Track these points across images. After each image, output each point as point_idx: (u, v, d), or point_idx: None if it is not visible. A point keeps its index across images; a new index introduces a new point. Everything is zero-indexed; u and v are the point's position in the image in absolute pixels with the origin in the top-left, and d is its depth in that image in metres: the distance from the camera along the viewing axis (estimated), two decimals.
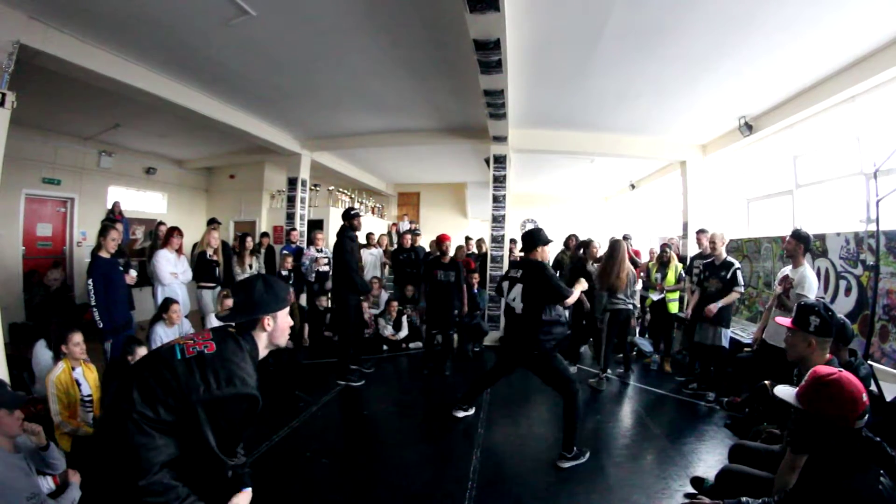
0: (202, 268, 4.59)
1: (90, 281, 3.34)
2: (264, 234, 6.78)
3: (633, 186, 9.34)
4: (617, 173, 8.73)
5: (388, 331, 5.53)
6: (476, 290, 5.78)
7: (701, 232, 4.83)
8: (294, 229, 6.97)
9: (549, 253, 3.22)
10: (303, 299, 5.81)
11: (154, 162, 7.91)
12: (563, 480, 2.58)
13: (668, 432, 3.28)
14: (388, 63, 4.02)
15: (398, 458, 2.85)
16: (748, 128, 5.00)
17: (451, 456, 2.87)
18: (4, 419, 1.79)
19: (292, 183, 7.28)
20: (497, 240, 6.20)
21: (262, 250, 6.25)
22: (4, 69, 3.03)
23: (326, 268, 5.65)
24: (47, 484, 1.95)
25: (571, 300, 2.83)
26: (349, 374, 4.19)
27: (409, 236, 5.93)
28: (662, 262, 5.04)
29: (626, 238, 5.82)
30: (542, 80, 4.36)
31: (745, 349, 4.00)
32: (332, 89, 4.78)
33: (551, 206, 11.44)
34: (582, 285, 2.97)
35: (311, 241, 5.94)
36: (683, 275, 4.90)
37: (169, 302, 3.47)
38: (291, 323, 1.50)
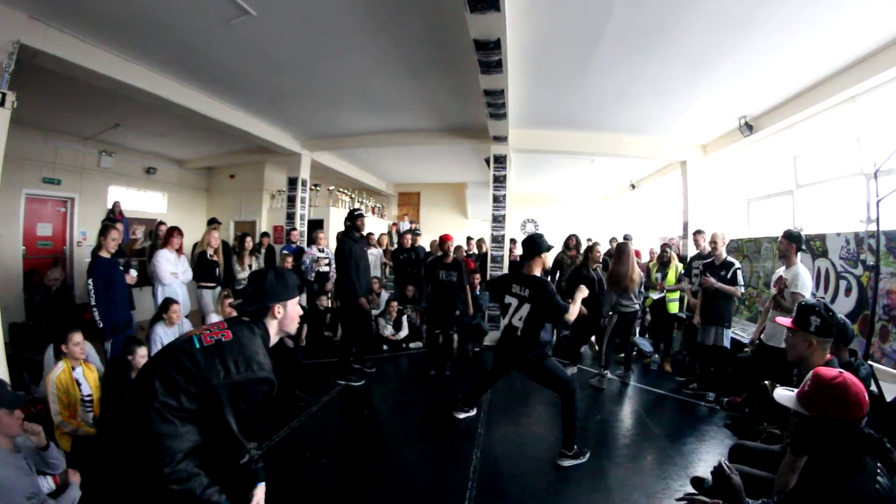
0: (202, 268, 4.59)
1: (90, 281, 3.34)
2: (264, 234, 6.79)
3: (633, 186, 9.34)
4: (617, 173, 8.73)
5: (388, 331, 5.53)
6: (478, 292, 5.79)
7: (698, 233, 4.84)
8: (294, 229, 6.97)
9: (549, 257, 3.21)
10: (303, 299, 5.80)
11: (154, 162, 7.91)
12: (563, 480, 2.58)
13: (668, 432, 3.27)
14: (389, 63, 4.02)
15: (398, 458, 2.85)
16: (748, 128, 5.00)
17: (451, 456, 2.86)
18: (4, 419, 1.79)
19: (292, 183, 7.28)
20: (497, 240, 6.20)
21: (263, 250, 6.25)
22: (4, 69, 3.03)
23: (327, 268, 5.65)
24: (47, 484, 1.96)
25: (572, 316, 2.80)
26: (350, 373, 4.19)
27: (409, 236, 5.93)
28: (663, 262, 5.04)
29: (627, 238, 5.83)
30: (542, 80, 4.36)
31: (745, 349, 4.00)
32: (333, 89, 4.78)
33: (551, 206, 11.45)
34: (582, 292, 2.91)
35: (313, 241, 5.94)
36: (683, 276, 4.90)
37: (169, 302, 3.47)
38: (301, 312, 1.57)
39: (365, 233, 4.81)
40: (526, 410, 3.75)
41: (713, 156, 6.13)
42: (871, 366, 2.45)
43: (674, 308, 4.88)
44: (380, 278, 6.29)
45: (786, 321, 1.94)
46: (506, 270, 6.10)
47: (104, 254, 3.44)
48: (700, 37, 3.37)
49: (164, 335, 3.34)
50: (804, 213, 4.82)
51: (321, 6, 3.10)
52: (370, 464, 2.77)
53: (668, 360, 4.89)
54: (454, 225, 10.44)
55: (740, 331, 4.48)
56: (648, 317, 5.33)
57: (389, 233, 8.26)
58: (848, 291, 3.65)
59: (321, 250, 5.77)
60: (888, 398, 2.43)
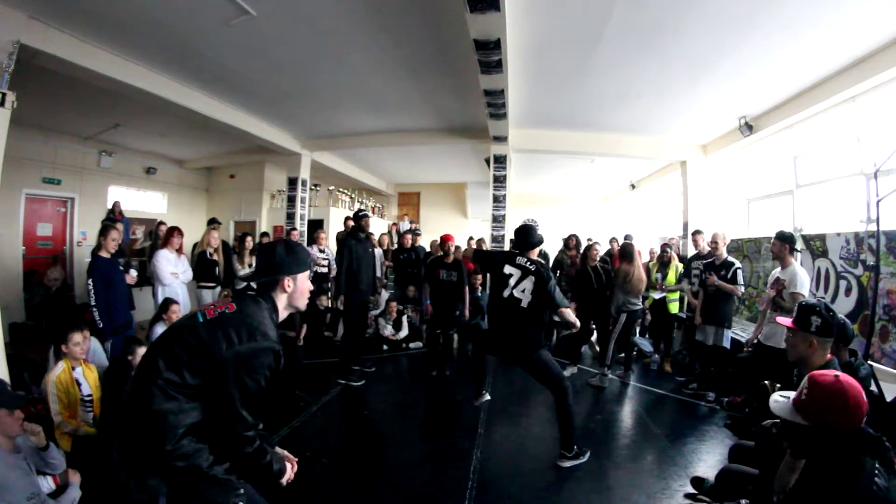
0: (202, 267, 4.59)
1: (90, 281, 3.33)
2: (264, 234, 6.79)
3: (633, 186, 9.34)
4: (617, 173, 8.73)
5: (388, 331, 5.53)
6: (479, 293, 5.78)
7: (697, 233, 4.84)
8: (294, 229, 6.97)
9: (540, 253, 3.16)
10: None
11: (154, 162, 7.91)
12: (563, 480, 2.58)
13: (668, 432, 3.27)
14: (389, 63, 4.02)
15: (398, 458, 2.85)
16: (748, 128, 5.00)
17: (451, 456, 2.86)
18: (4, 419, 1.79)
19: (292, 183, 7.29)
20: (497, 240, 6.20)
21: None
22: (4, 69, 3.04)
23: (325, 269, 5.64)
24: (47, 484, 1.95)
25: (566, 313, 2.76)
26: (350, 373, 4.19)
27: (409, 236, 5.93)
28: (663, 262, 5.04)
29: (628, 239, 5.83)
30: (542, 80, 4.36)
31: (745, 349, 4.00)
32: (333, 89, 4.78)
33: (551, 206, 11.45)
34: (571, 314, 2.84)
35: (314, 241, 5.93)
36: (683, 276, 4.90)
37: (169, 302, 3.47)
38: (311, 287, 1.53)
39: (367, 232, 4.79)
40: (526, 410, 3.75)
41: (713, 156, 6.13)
42: (871, 366, 2.45)
43: (674, 308, 4.88)
44: (380, 278, 6.29)
45: (786, 321, 1.94)
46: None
47: (104, 254, 3.44)
48: (700, 37, 3.37)
49: None
50: (804, 213, 4.82)
51: (321, 6, 3.10)
52: (370, 464, 2.77)
53: (668, 360, 4.89)
54: (454, 225, 10.44)
55: (740, 331, 4.48)
56: (648, 317, 5.33)
57: (389, 233, 8.26)
58: (848, 291, 3.65)
59: (321, 250, 5.76)
60: (888, 398, 2.43)
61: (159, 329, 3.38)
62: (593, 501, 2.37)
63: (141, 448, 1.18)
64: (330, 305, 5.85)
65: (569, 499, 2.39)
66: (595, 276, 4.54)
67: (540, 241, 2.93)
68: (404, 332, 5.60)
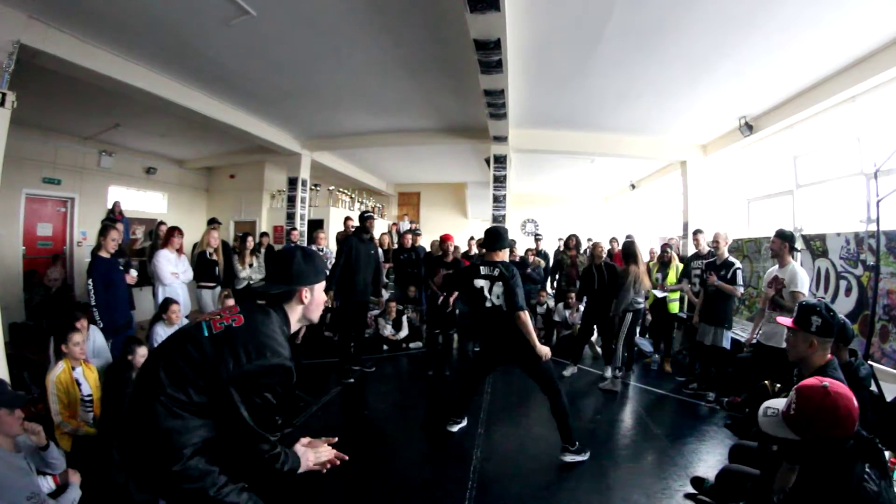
0: (202, 267, 4.59)
1: (90, 281, 3.33)
2: (263, 234, 6.78)
3: (633, 186, 9.34)
4: (617, 173, 8.74)
5: (388, 331, 5.53)
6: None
7: (698, 232, 4.84)
8: (294, 229, 6.97)
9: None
10: None
11: (154, 162, 7.91)
12: (563, 480, 2.58)
13: (668, 432, 3.27)
14: (389, 63, 4.02)
15: (398, 458, 2.85)
16: (748, 128, 5.00)
17: (452, 456, 2.86)
18: (5, 419, 1.79)
19: (292, 183, 7.29)
20: None
21: (262, 250, 6.25)
22: (4, 69, 3.04)
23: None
24: (47, 484, 1.95)
25: (524, 318, 2.73)
26: (346, 375, 4.20)
27: (409, 236, 5.93)
28: (663, 262, 5.04)
29: (630, 238, 5.81)
30: (542, 80, 4.36)
31: (745, 349, 4.00)
32: (333, 89, 4.78)
33: (551, 206, 11.45)
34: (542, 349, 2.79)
35: (313, 241, 5.93)
36: (682, 276, 4.90)
37: (168, 302, 3.47)
38: (325, 298, 1.43)
39: (371, 234, 4.79)
40: (526, 411, 3.75)
41: (713, 156, 6.13)
42: (871, 366, 2.45)
43: (674, 308, 4.88)
44: (382, 280, 6.29)
45: (786, 321, 1.94)
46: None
47: (104, 254, 3.44)
48: (700, 37, 3.37)
49: (164, 335, 3.33)
50: (804, 213, 4.82)
51: (321, 6, 3.11)
52: (370, 464, 2.77)
53: (669, 360, 4.89)
54: (454, 225, 10.43)
55: (740, 331, 4.48)
56: (648, 317, 5.33)
57: (389, 233, 8.26)
58: (848, 291, 3.65)
59: (321, 250, 5.76)
60: (888, 398, 2.43)
61: (159, 329, 3.38)
62: (593, 501, 2.37)
63: (147, 467, 1.12)
64: (331, 305, 5.85)
65: (569, 499, 2.39)
66: (599, 276, 4.53)
67: (506, 245, 2.96)
68: (404, 332, 5.60)
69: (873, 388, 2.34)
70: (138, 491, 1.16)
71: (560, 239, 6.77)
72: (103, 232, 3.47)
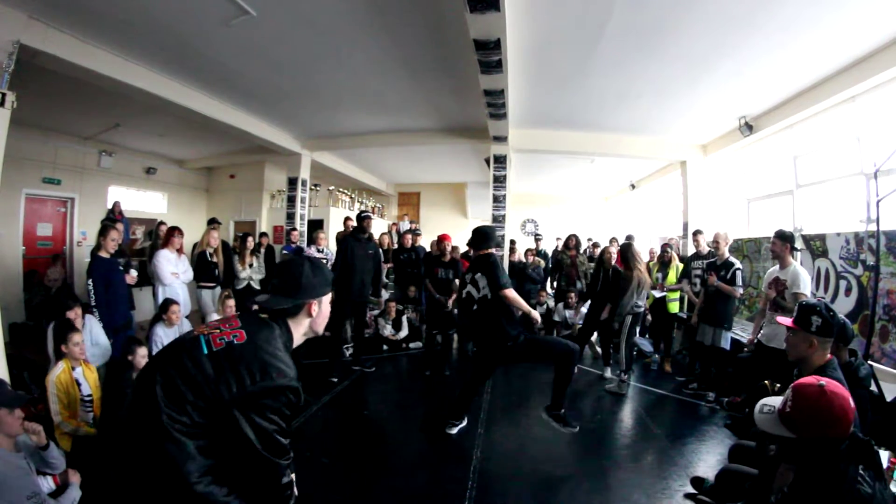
0: (202, 268, 4.59)
1: (90, 281, 3.34)
2: (263, 234, 6.78)
3: (633, 186, 9.34)
4: (617, 173, 8.73)
5: (387, 331, 5.53)
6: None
7: (698, 233, 4.84)
8: (294, 229, 6.97)
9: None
10: None
11: (154, 162, 7.91)
12: (563, 480, 2.58)
13: (668, 432, 3.27)
14: (389, 63, 4.02)
15: (398, 458, 2.85)
16: (748, 128, 5.00)
17: (451, 456, 2.87)
18: (5, 418, 1.80)
19: (292, 183, 7.29)
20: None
21: (262, 250, 6.25)
22: (4, 69, 3.03)
23: None
24: (47, 484, 1.96)
25: (510, 294, 2.74)
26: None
27: (409, 236, 5.93)
28: (663, 262, 5.04)
29: (630, 239, 5.82)
30: (542, 80, 4.36)
31: (745, 349, 4.00)
32: (333, 89, 4.78)
33: (551, 206, 11.45)
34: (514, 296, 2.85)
35: (313, 241, 5.93)
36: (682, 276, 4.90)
37: (168, 302, 3.47)
38: (330, 310, 1.37)
39: (370, 233, 4.79)
40: (526, 411, 3.75)
41: (713, 156, 6.13)
42: (871, 366, 2.45)
43: (674, 308, 4.88)
44: (384, 282, 6.29)
45: (786, 321, 1.94)
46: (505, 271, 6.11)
47: (104, 254, 3.44)
48: (700, 37, 3.37)
49: (164, 336, 3.34)
50: (804, 213, 4.82)
51: (321, 6, 3.10)
52: (370, 464, 2.77)
53: (669, 361, 4.89)
54: (454, 225, 10.43)
55: (740, 331, 4.48)
56: (649, 317, 5.33)
57: (389, 233, 8.26)
58: (848, 291, 3.65)
59: (320, 250, 5.76)
60: (888, 398, 2.43)
61: (159, 329, 3.38)
62: (593, 501, 2.37)
63: (150, 494, 1.02)
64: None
65: (569, 499, 2.39)
66: (604, 278, 4.53)
67: (497, 244, 3.06)
68: (404, 332, 5.60)
69: (873, 388, 2.34)
70: None
71: (558, 238, 6.77)
72: (103, 232, 3.47)
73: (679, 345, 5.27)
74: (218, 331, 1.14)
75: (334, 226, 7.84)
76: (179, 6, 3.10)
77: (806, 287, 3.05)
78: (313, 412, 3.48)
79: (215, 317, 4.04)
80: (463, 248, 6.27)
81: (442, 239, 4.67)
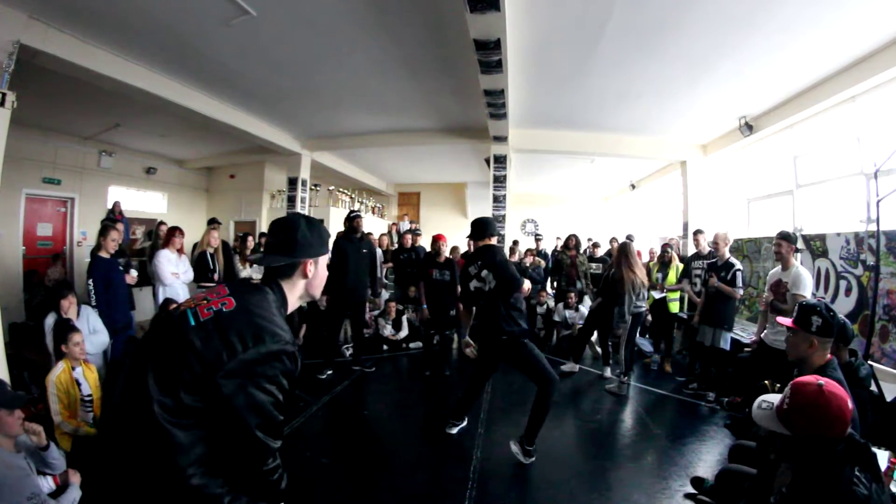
0: (202, 268, 4.59)
1: (90, 281, 3.34)
2: (263, 234, 6.78)
3: (633, 186, 9.34)
4: (617, 173, 8.74)
5: (387, 331, 5.53)
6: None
7: (698, 232, 4.83)
8: None
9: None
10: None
11: (154, 162, 7.92)
12: (563, 480, 2.58)
13: (668, 432, 3.27)
14: (389, 63, 4.02)
15: (398, 458, 2.85)
16: (748, 128, 5.00)
17: (451, 456, 2.86)
18: (5, 419, 1.79)
19: (292, 183, 7.30)
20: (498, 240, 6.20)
21: (262, 249, 6.25)
22: (4, 69, 3.04)
23: None
24: (48, 484, 1.95)
25: (526, 289, 2.76)
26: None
27: (409, 236, 5.93)
28: (663, 263, 5.04)
29: (629, 238, 5.83)
30: (542, 80, 4.36)
31: (745, 349, 4.00)
32: (333, 89, 4.78)
33: (551, 206, 11.45)
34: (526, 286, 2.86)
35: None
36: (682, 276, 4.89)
37: (168, 303, 3.47)
38: (327, 273, 1.28)
39: (362, 232, 4.78)
40: (526, 410, 3.70)
41: (713, 156, 6.14)
42: (871, 366, 2.45)
43: (674, 308, 4.88)
44: (379, 278, 6.29)
45: (787, 321, 1.94)
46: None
47: (104, 254, 3.44)
48: (700, 37, 3.37)
49: None
50: (804, 213, 4.82)
51: (321, 6, 3.11)
52: (370, 464, 2.77)
53: (669, 361, 4.89)
54: (454, 225, 10.44)
55: (740, 331, 4.48)
56: (649, 317, 5.33)
57: (389, 233, 8.26)
58: (848, 291, 3.65)
59: None
60: (888, 398, 2.43)
61: None
62: (593, 501, 2.37)
63: (142, 488, 0.95)
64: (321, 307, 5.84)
65: (569, 499, 2.39)
66: (606, 281, 4.52)
67: (495, 233, 2.96)
68: (404, 332, 5.60)
69: (873, 388, 2.34)
70: None
71: (558, 238, 6.77)
72: (103, 232, 3.47)
73: (679, 345, 5.27)
74: (206, 301, 1.05)
75: (335, 226, 7.83)
76: (179, 6, 3.10)
77: (807, 289, 3.04)
78: (313, 412, 3.48)
79: None
80: (463, 249, 6.31)
81: (437, 239, 4.65)
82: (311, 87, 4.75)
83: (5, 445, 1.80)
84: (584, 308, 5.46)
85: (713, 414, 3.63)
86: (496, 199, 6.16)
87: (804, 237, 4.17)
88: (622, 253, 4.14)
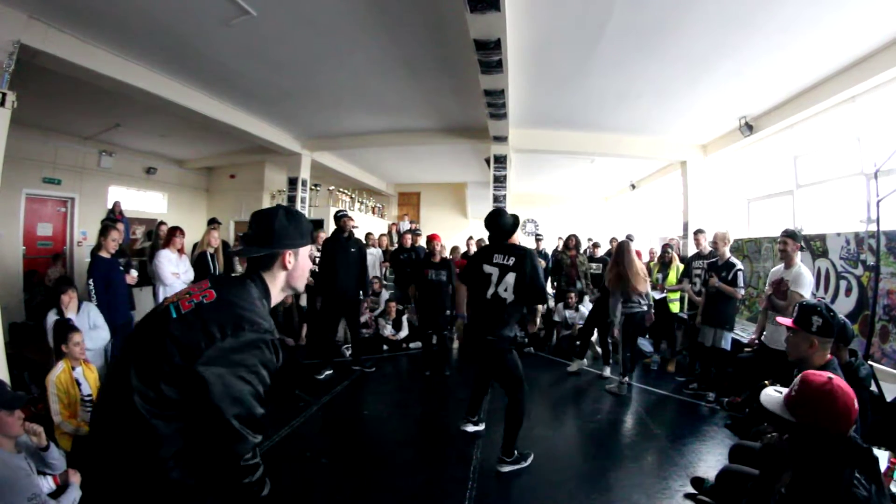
0: (202, 268, 4.59)
1: (90, 281, 3.34)
2: None
3: (633, 186, 9.34)
4: (617, 173, 8.73)
5: (387, 331, 5.53)
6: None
7: (699, 232, 4.83)
8: None
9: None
10: (303, 299, 5.81)
11: (154, 162, 7.92)
12: (563, 480, 2.58)
13: (668, 432, 3.27)
14: (389, 63, 4.02)
15: (398, 457, 2.85)
16: (748, 128, 5.00)
17: (451, 456, 2.86)
18: (5, 419, 1.79)
19: (293, 183, 7.30)
20: None
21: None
22: (5, 69, 3.04)
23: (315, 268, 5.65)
24: (48, 484, 1.95)
25: (543, 307, 2.69)
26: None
27: (409, 236, 5.93)
28: (664, 263, 5.04)
29: (629, 238, 5.83)
30: (542, 80, 4.36)
31: (746, 349, 4.00)
32: (333, 89, 4.78)
33: (551, 206, 11.45)
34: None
35: (313, 241, 5.91)
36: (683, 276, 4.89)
37: None
38: (311, 266, 1.28)
39: (363, 232, 4.79)
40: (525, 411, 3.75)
41: (713, 156, 6.13)
42: (871, 366, 2.45)
43: (675, 308, 4.88)
44: (379, 278, 6.29)
45: (787, 321, 1.94)
46: None
47: (104, 254, 3.45)
48: (700, 37, 3.37)
49: None
50: (804, 213, 4.83)
51: (321, 6, 3.11)
52: (370, 464, 2.77)
53: (673, 361, 4.88)
54: (454, 225, 10.44)
55: (740, 331, 4.48)
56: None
57: (389, 233, 8.25)
58: (848, 291, 3.65)
59: (319, 249, 5.75)
60: (888, 398, 2.43)
61: None
62: (593, 501, 2.37)
63: (121, 483, 0.94)
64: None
65: (569, 499, 2.39)
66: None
67: (512, 225, 2.71)
68: (404, 332, 5.60)
69: (873, 388, 2.34)
70: None
71: (560, 238, 6.76)
72: (104, 232, 3.47)
73: (679, 345, 5.27)
74: (188, 295, 1.06)
75: (334, 226, 7.83)
76: (179, 6, 3.10)
77: (806, 288, 3.05)
78: (313, 412, 3.48)
79: None
80: (463, 249, 6.31)
81: (431, 239, 4.64)
82: (312, 87, 4.74)
83: (6, 446, 1.80)
84: (585, 308, 5.46)
85: (713, 414, 3.63)
86: (496, 199, 6.16)
87: (804, 237, 4.17)
88: (617, 252, 4.14)
